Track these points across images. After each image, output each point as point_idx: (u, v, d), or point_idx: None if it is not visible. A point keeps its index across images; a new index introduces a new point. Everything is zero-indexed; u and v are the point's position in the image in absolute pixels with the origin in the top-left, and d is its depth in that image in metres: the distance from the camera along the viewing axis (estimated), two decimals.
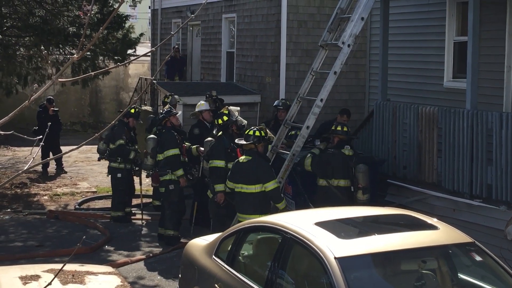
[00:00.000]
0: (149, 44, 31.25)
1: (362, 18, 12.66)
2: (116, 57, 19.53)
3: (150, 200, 16.67)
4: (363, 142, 14.30)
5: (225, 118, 12.88)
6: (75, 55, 3.60)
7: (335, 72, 12.59)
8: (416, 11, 14.71)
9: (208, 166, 12.98)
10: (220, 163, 12.62)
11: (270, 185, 11.29)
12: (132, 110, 15.30)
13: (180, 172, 13.41)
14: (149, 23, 31.97)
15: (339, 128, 12.48)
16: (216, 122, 13.17)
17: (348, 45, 12.54)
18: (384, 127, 13.36)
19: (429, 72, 14.39)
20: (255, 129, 11.63)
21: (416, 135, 12.58)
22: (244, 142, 11.52)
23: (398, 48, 14.85)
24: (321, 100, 12.64)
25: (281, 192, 11.67)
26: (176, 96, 16.17)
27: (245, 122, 13.48)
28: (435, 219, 7.99)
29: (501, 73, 12.57)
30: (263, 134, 11.53)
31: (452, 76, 13.93)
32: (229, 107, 13.25)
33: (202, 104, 14.77)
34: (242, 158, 11.61)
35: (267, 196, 11.32)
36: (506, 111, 12.03)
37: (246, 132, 11.67)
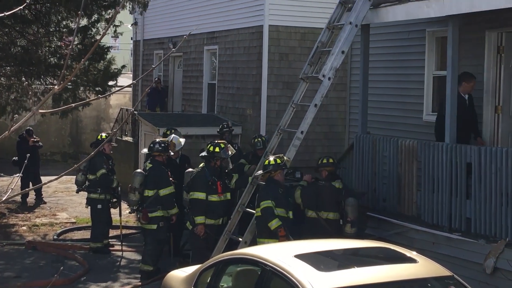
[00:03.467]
0: (131, 75, 31.28)
1: (343, 52, 12.77)
2: (97, 88, 19.53)
3: (130, 231, 16.57)
4: (343, 175, 14.34)
5: (217, 149, 12.72)
6: (56, 87, 3.61)
7: (315, 105, 12.67)
8: (396, 45, 14.86)
9: (188, 197, 12.94)
10: (201, 195, 12.58)
11: (263, 205, 11.45)
12: (103, 136, 15.19)
13: (174, 210, 13.29)
14: (131, 54, 32.06)
15: (325, 160, 12.58)
16: (207, 147, 12.94)
17: (329, 78, 12.64)
18: (364, 159, 13.42)
19: (408, 105, 14.50)
20: (271, 158, 11.75)
21: (395, 168, 12.64)
22: (262, 172, 11.78)
23: (378, 82, 14.97)
24: (302, 132, 12.70)
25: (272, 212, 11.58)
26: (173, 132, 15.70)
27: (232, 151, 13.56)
28: (414, 252, 8.01)
29: (480, 107, 12.69)
30: (279, 161, 11.66)
31: (431, 110, 14.04)
32: (228, 145, 13.15)
33: (180, 139, 14.61)
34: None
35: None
36: (485, 145, 12.12)
37: (265, 163, 11.81)
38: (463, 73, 12.13)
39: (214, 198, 12.64)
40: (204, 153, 12.90)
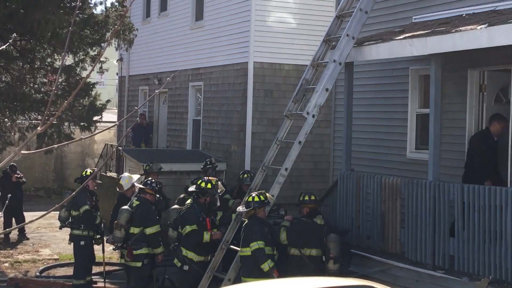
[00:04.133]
0: (116, 110, 31.31)
1: (327, 89, 12.86)
2: (82, 124, 19.52)
3: (113, 268, 16.45)
4: (327, 212, 14.36)
5: (209, 186, 12.77)
6: (39, 128, 3.62)
7: (299, 142, 12.71)
8: (379, 83, 14.97)
9: (174, 234, 12.90)
10: (195, 227, 12.58)
11: (253, 246, 11.41)
12: (88, 172, 15.16)
13: (160, 249, 13.21)
14: (117, 89, 32.10)
15: (306, 197, 12.60)
16: (198, 183, 12.94)
17: (313, 116, 12.70)
18: (348, 196, 13.44)
19: (392, 142, 14.57)
20: (254, 195, 11.75)
21: (379, 205, 12.66)
22: (245, 209, 11.71)
23: (362, 119, 15.05)
24: (286, 169, 12.72)
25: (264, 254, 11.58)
26: (153, 164, 15.71)
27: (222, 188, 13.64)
28: None
29: (463, 145, 12.77)
30: (262, 198, 11.67)
31: (415, 147, 14.11)
32: (218, 182, 13.23)
33: (130, 178, 14.50)
34: (245, 222, 11.87)
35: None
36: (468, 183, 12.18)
37: (247, 200, 11.80)
38: (496, 113, 12.11)
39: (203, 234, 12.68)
40: (193, 189, 12.93)
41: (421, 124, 13.87)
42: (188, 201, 13.00)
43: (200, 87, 21.77)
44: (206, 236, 12.55)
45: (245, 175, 14.87)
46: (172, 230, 13.12)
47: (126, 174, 14.64)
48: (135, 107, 20.11)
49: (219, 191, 13.10)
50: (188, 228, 12.53)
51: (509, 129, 11.87)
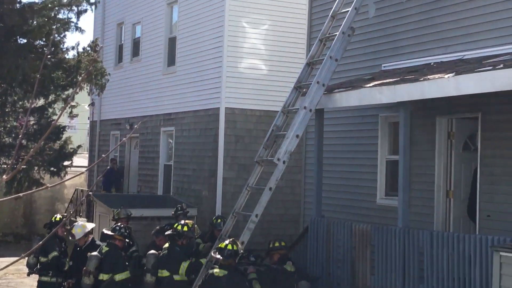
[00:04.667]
0: (87, 155, 31.16)
1: (297, 136, 12.92)
2: (51, 169, 19.40)
3: None
4: (297, 258, 14.32)
5: (185, 228, 12.73)
6: (4, 176, 3.61)
7: (270, 188, 12.72)
8: (349, 130, 15.09)
9: (152, 279, 12.81)
10: (184, 264, 12.52)
11: None
12: (58, 218, 15.00)
13: None
14: (88, 134, 32.00)
15: (276, 244, 12.57)
16: (175, 227, 12.89)
17: (284, 162, 12.74)
18: (319, 243, 13.44)
19: (362, 189, 14.64)
20: (228, 243, 11.44)
21: (350, 252, 12.67)
22: (221, 257, 11.22)
23: (333, 165, 15.12)
24: (256, 215, 12.70)
25: None
26: (122, 210, 15.60)
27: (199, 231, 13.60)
28: None
29: (432, 192, 12.87)
30: (235, 248, 11.36)
31: (384, 193, 14.18)
32: (195, 225, 13.17)
33: (83, 227, 14.34)
34: (217, 271, 11.23)
35: None
36: (437, 230, 12.26)
37: (220, 246, 11.44)
38: None
39: (178, 277, 12.61)
40: (170, 232, 12.92)
41: (391, 170, 13.97)
42: (166, 245, 12.96)
43: (172, 132, 21.77)
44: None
45: (218, 220, 14.84)
46: (150, 275, 13.01)
47: (80, 222, 14.41)
48: (103, 155, 19.99)
49: (196, 233, 13.10)
50: (184, 264, 12.50)
51: (477, 175, 11.99)
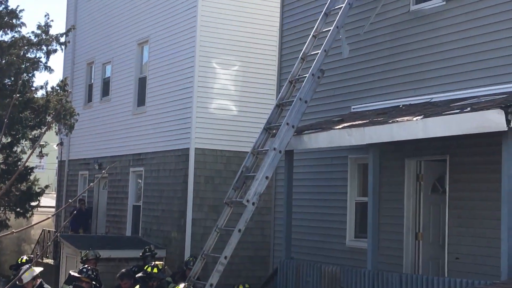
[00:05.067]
0: (55, 195, 30.83)
1: (267, 177, 12.90)
2: (18, 209, 19.14)
3: None
4: None
5: (155, 270, 12.58)
6: None
7: (239, 230, 12.65)
8: (319, 171, 15.10)
9: None
10: None
11: None
12: (24, 260, 14.73)
13: None
14: (56, 173, 31.70)
15: (241, 287, 12.48)
16: (145, 268, 12.74)
17: (253, 203, 12.69)
18: (288, 285, 13.35)
19: (332, 230, 14.61)
20: (182, 286, 11.38)
21: None
22: None
23: (302, 206, 15.09)
24: (225, 257, 12.61)
25: None
26: (90, 251, 15.38)
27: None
28: None
29: (401, 234, 12.87)
30: None
31: (354, 235, 14.16)
32: (166, 267, 13.02)
33: (32, 271, 14.09)
34: None
35: None
36: (406, 272, 12.23)
37: None
38: None
39: None
40: (140, 274, 12.76)
41: (360, 212, 13.97)
42: (136, 287, 12.79)
43: (141, 172, 21.64)
44: None
45: (190, 258, 14.79)
46: None
47: (27, 265, 14.10)
48: (70, 200, 19.79)
49: (166, 274, 12.95)
50: None
51: (446, 216, 12.03)
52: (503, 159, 9.35)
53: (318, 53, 13.43)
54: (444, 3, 12.41)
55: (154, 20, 21.66)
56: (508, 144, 9.29)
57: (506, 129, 9.13)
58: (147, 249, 15.76)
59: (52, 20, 21.31)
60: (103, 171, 23.11)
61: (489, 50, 11.50)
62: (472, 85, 11.74)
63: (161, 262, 13.29)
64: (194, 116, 19.17)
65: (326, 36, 13.42)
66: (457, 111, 10.18)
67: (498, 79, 11.32)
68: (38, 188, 20.41)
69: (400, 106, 12.83)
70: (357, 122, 12.23)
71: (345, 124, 12.40)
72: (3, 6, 20.02)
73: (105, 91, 24.77)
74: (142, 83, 22.26)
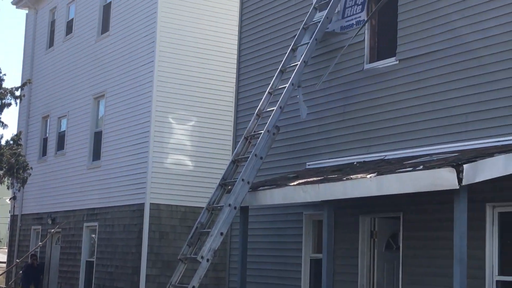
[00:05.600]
0: (6, 250, 30.26)
1: (222, 233, 12.81)
2: None
3: None
4: None
5: None
6: None
7: (193, 287, 12.51)
8: (274, 227, 15.08)
9: None
10: None
11: None
12: None
13: None
14: (8, 228, 31.18)
15: None
16: None
17: (207, 260, 12.57)
18: None
19: (286, 287, 14.53)
20: None
21: None
22: None
23: (257, 263, 15.02)
24: None
25: None
26: None
27: None
28: None
29: None
30: None
31: None
32: None
33: None
34: None
35: None
36: None
37: None
38: None
39: None
40: None
41: (315, 269, 13.93)
42: None
43: (95, 227, 21.39)
44: None
45: None
46: None
47: None
48: (17, 260, 19.50)
49: None
50: None
51: (400, 274, 12.05)
52: (455, 217, 9.43)
53: (273, 109, 13.52)
54: (397, 62, 12.63)
55: (111, 74, 21.68)
56: (460, 202, 9.38)
57: (458, 187, 9.22)
58: None
59: (4, 74, 21.25)
60: (57, 226, 22.81)
61: (441, 109, 11.70)
62: (425, 143, 11.89)
63: None
64: (150, 171, 19.10)
65: (282, 93, 13.53)
66: (410, 169, 10.27)
67: (450, 137, 11.50)
68: None
69: (355, 163, 12.93)
70: (312, 179, 12.28)
71: (300, 181, 12.44)
72: None
73: (60, 145, 24.58)
74: (97, 137, 22.16)
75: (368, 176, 10.71)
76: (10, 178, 19.56)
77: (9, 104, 20.57)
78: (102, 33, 22.89)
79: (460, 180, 9.13)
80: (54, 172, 24.34)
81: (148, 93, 19.63)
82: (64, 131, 24.48)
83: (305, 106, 13.78)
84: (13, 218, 27.36)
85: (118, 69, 21.33)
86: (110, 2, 22.68)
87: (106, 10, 22.89)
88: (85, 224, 21.93)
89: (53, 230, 22.66)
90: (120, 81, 21.12)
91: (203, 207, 14.00)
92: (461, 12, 11.56)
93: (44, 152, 25.70)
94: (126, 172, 20.08)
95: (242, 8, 17.07)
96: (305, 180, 12.41)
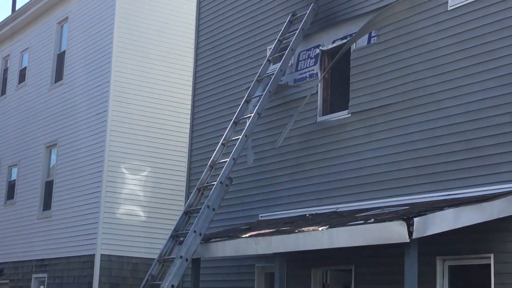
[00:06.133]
0: None
1: (173, 286, 12.63)
2: None
3: None
4: None
5: None
6: None
7: None
8: (226, 279, 14.96)
9: None
10: None
11: None
12: None
13: None
14: None
15: None
16: None
17: None
18: None
19: None
20: None
21: None
22: None
23: None
24: None
25: None
26: None
27: None
28: None
29: None
30: None
31: None
32: None
33: None
34: None
35: None
36: None
37: None
38: None
39: None
40: None
41: None
42: None
43: (44, 279, 20.98)
44: None
45: None
46: None
47: None
48: None
49: None
50: None
51: None
52: (405, 270, 9.44)
53: (226, 161, 13.51)
54: (349, 115, 12.76)
55: (64, 123, 21.53)
56: (410, 255, 9.41)
57: (408, 240, 9.26)
58: None
59: None
60: (4, 277, 22.34)
61: (392, 162, 11.81)
62: (376, 195, 11.97)
63: None
64: (101, 222, 18.88)
65: (235, 145, 13.54)
66: (362, 222, 10.30)
67: (401, 190, 11.59)
68: None
69: (307, 215, 12.94)
70: (264, 231, 12.23)
71: (252, 233, 12.38)
72: None
73: (10, 194, 24.22)
74: (48, 186, 21.88)
75: (320, 228, 10.71)
76: None
77: None
78: (55, 82, 22.78)
79: (410, 233, 9.17)
80: (3, 222, 23.93)
81: (101, 142, 19.51)
82: (15, 180, 24.13)
83: (252, 153, 13.81)
84: None
85: (71, 118, 21.19)
86: (64, 51, 22.62)
87: (60, 58, 22.81)
88: (34, 276, 21.50)
89: (0, 281, 22.16)
90: (73, 130, 20.97)
91: (155, 258, 13.85)
92: (412, 67, 11.76)
93: None
94: (77, 222, 19.81)
95: (196, 59, 17.14)
96: (257, 232, 12.36)
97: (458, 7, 11.20)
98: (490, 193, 10.16)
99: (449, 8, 11.31)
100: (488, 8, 10.76)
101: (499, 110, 10.36)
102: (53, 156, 22.22)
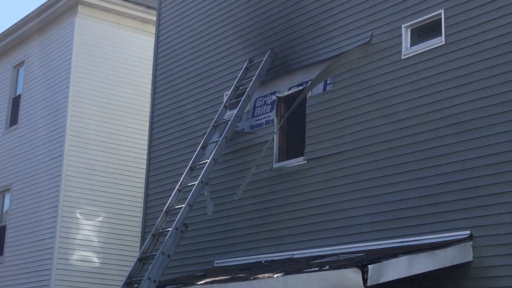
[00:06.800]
0: None
1: None
2: None
3: None
4: None
5: None
6: None
7: None
8: None
9: None
10: None
11: None
12: None
13: None
14: None
15: None
16: None
17: None
18: None
19: None
20: None
21: None
22: None
23: None
24: None
25: None
26: None
27: None
28: None
29: None
30: None
31: None
32: None
33: None
34: None
35: None
36: None
37: None
38: None
39: None
40: None
41: None
42: None
43: None
44: None
45: None
46: None
47: None
48: None
49: None
50: None
51: None
52: None
53: (182, 207, 13.42)
54: (305, 162, 12.81)
55: (18, 168, 21.27)
56: None
57: (363, 287, 9.28)
58: None
59: None
60: None
61: (348, 209, 11.85)
62: (332, 242, 11.97)
63: None
64: (54, 268, 18.59)
65: (191, 190, 13.47)
66: (317, 268, 10.29)
67: (356, 237, 11.62)
68: None
69: (263, 261, 12.88)
70: (219, 278, 12.15)
71: (208, 280, 12.28)
72: None
73: None
74: (1, 232, 21.51)
75: (275, 275, 10.67)
76: None
77: None
78: (10, 126, 22.55)
79: (365, 280, 9.18)
80: None
81: (55, 187, 19.29)
82: None
83: (211, 203, 13.73)
84: None
85: (26, 162, 20.95)
86: (20, 95, 22.45)
87: (15, 102, 22.63)
88: None
89: None
90: (27, 175, 20.72)
91: None
92: (367, 114, 11.87)
93: None
94: (29, 268, 19.48)
95: (153, 105, 17.11)
96: (213, 279, 12.26)
97: (411, 56, 11.39)
98: (443, 240, 10.24)
99: (403, 57, 11.50)
100: (440, 58, 10.96)
101: (453, 157, 10.49)
102: (7, 201, 21.89)
